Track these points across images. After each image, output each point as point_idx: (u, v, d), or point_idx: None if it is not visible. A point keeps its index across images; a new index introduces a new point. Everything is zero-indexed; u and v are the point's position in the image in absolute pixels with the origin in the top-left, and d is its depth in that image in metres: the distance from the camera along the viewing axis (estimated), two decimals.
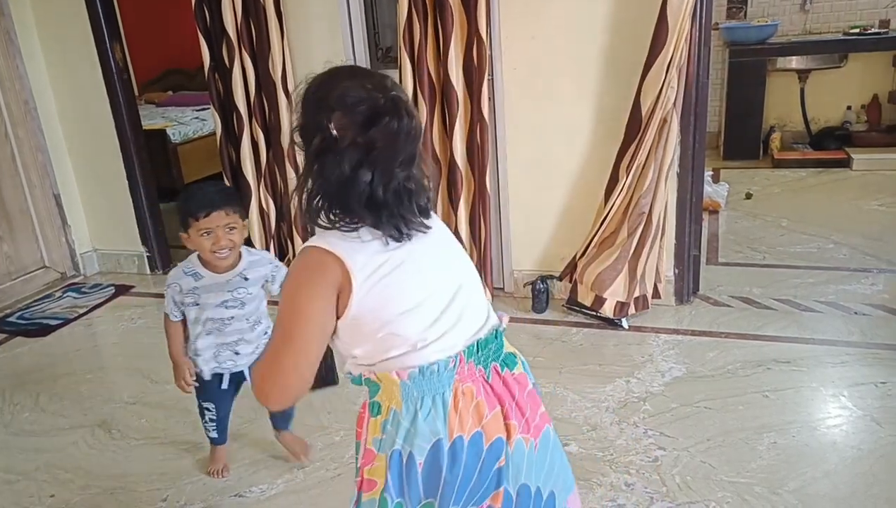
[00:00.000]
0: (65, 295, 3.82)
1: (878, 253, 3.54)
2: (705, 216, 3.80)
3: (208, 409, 2.13)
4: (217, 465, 2.23)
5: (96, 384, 2.89)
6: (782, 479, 1.99)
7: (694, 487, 1.99)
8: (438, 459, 1.10)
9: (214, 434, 2.18)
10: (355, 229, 1.11)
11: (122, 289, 3.85)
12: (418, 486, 1.11)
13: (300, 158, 1.17)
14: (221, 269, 1.95)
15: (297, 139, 1.14)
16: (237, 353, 2.02)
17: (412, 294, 1.13)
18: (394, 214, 1.11)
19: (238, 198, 2.05)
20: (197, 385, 2.06)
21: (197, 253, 1.96)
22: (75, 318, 3.52)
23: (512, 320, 3.28)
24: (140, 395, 2.76)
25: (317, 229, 1.13)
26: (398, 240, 1.12)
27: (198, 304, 1.97)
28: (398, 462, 1.12)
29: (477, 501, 1.11)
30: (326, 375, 1.22)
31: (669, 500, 1.95)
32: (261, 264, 2.00)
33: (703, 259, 3.33)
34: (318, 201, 1.12)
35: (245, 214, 2.18)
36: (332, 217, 1.12)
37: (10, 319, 3.55)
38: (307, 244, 1.13)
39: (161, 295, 3.73)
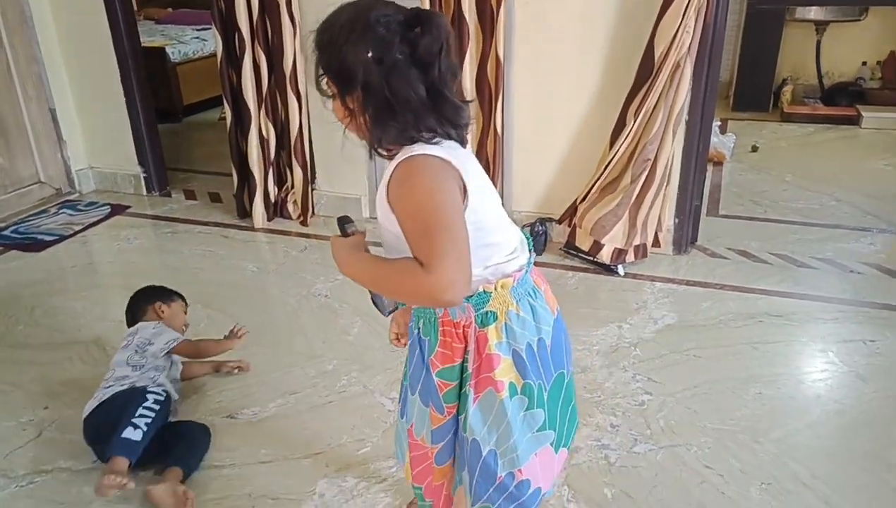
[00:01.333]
0: (60, 212, 3.79)
1: (879, 212, 3.53)
2: (709, 167, 3.76)
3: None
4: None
5: (91, 302, 2.90)
6: (765, 428, 2.03)
7: (677, 431, 2.03)
8: (559, 335, 1.28)
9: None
10: (437, 142, 1.12)
11: (118, 209, 3.83)
12: (550, 364, 1.26)
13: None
14: None
15: (331, 85, 1.14)
16: None
17: (496, 200, 1.23)
18: (458, 124, 1.15)
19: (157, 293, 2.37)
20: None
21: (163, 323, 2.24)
22: (71, 235, 3.51)
23: None
24: None
25: (403, 148, 1.13)
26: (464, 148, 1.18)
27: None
28: (532, 352, 1.24)
29: (571, 362, 1.35)
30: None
31: (653, 443, 1.99)
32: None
33: (703, 210, 3.31)
34: (386, 127, 1.12)
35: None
36: (409, 135, 1.12)
37: (5, 233, 3.53)
38: (413, 154, 1.10)
39: (158, 217, 3.73)
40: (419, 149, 1.11)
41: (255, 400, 2.23)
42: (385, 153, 1.17)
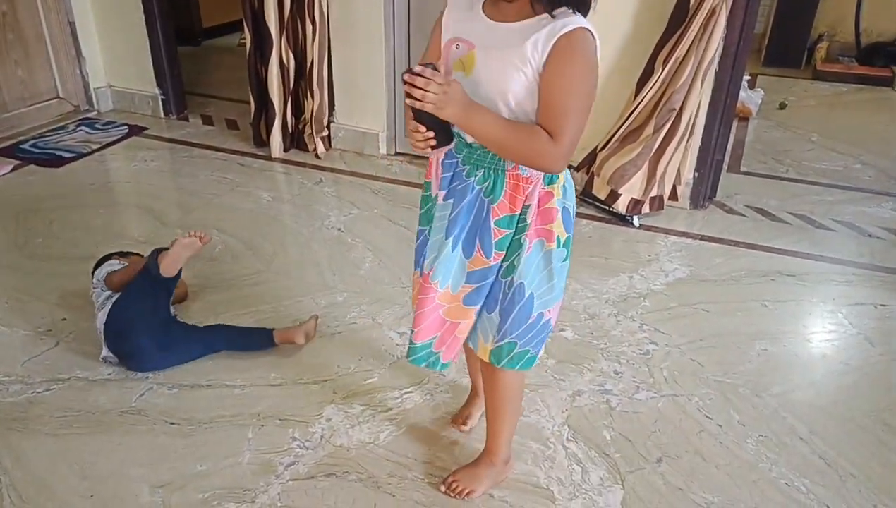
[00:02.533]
0: (78, 129, 3.79)
1: None
2: (734, 121, 3.69)
3: None
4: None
5: (108, 219, 2.93)
6: (767, 384, 2.05)
7: (680, 382, 2.06)
8: (572, 206, 1.43)
9: None
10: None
11: (135, 130, 3.82)
12: (572, 226, 1.44)
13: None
14: None
15: None
16: None
17: None
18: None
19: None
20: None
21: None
22: (88, 153, 3.52)
23: None
24: (151, 236, 2.80)
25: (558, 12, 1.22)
26: None
27: None
28: (570, 212, 1.42)
29: None
30: (448, 133, 1.31)
31: (655, 391, 2.02)
32: None
33: (724, 165, 3.26)
34: None
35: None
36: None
37: (24, 146, 3.54)
38: (576, 27, 1.21)
39: (175, 141, 3.72)
40: (580, 21, 1.22)
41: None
42: (540, 8, 1.22)
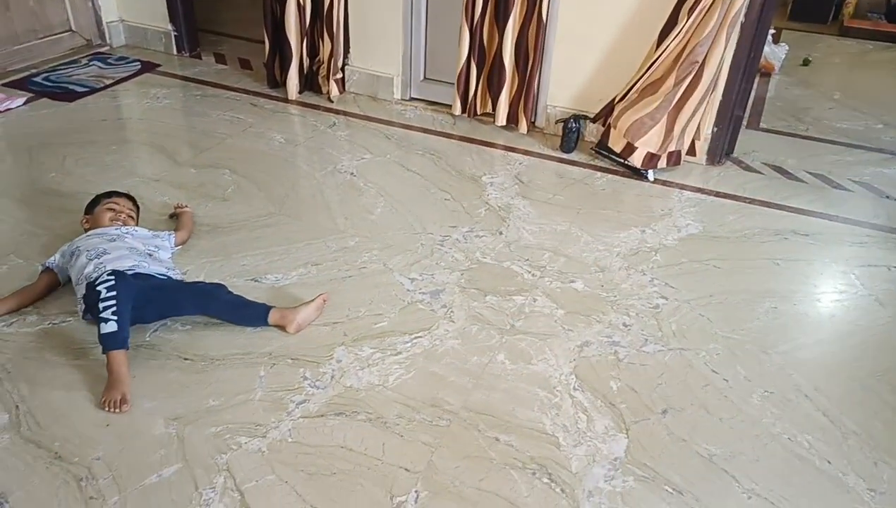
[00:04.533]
0: (90, 64, 3.74)
1: None
2: (756, 77, 3.61)
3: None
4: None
5: (120, 156, 2.92)
6: (774, 341, 2.06)
7: (688, 336, 2.07)
8: None
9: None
10: None
11: (148, 66, 3.77)
12: None
13: None
14: None
15: None
16: None
17: None
18: None
19: None
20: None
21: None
22: (101, 88, 3.49)
23: (538, 156, 3.26)
24: (163, 174, 2.80)
25: None
26: None
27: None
28: None
29: None
30: None
31: (662, 344, 2.03)
32: None
33: (744, 122, 3.20)
34: None
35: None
36: None
37: (37, 80, 3.51)
38: None
39: (188, 78, 3.68)
40: None
41: (278, 267, 2.28)
42: None
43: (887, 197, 2.88)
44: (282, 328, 2.00)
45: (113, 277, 1.85)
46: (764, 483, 1.62)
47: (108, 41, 3.99)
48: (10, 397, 1.75)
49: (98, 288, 1.83)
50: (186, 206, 2.51)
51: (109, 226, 2.19)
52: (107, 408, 1.71)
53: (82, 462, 1.59)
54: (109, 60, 3.80)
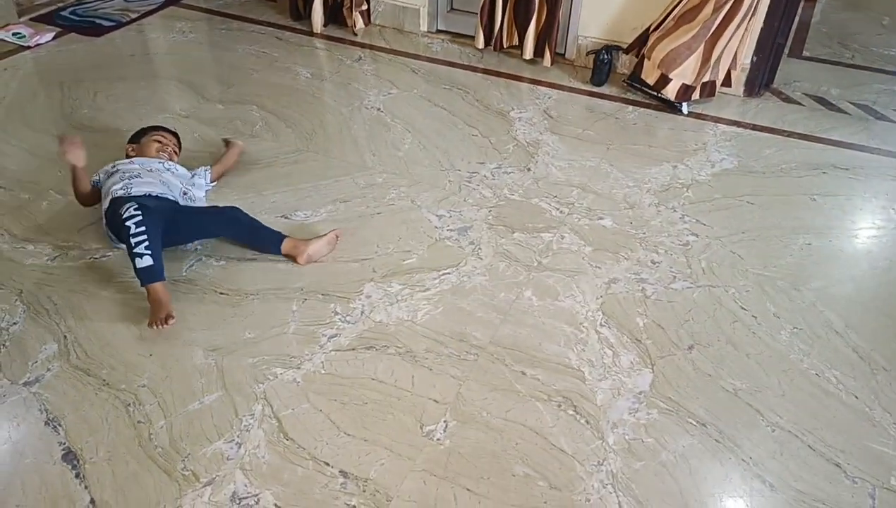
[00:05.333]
0: None
1: None
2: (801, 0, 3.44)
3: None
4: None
5: (150, 91, 2.93)
6: (807, 277, 2.04)
7: (718, 273, 2.06)
8: None
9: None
10: None
11: None
12: None
13: None
14: None
15: None
16: None
17: None
18: None
19: None
20: None
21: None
22: (127, 23, 3.47)
23: (567, 89, 3.19)
24: (192, 110, 2.81)
25: None
26: None
27: None
28: None
29: None
30: None
31: (691, 281, 2.03)
32: None
33: (785, 50, 3.07)
34: None
35: None
36: None
37: (63, 13, 3.50)
38: None
39: (212, 11, 3.64)
40: None
41: (307, 204, 2.30)
42: None
43: None
44: (293, 258, 2.05)
45: (140, 212, 1.89)
46: (788, 417, 1.63)
47: None
48: (57, 328, 1.83)
49: (127, 223, 1.87)
50: (239, 142, 2.50)
51: (154, 158, 2.24)
52: (155, 326, 1.78)
53: (129, 388, 1.67)
54: None
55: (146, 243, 1.85)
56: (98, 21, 3.44)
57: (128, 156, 2.27)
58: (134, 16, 3.52)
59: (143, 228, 1.86)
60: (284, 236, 2.07)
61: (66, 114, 2.75)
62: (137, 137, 2.34)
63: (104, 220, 2.05)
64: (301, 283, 1.99)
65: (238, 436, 1.57)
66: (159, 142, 2.31)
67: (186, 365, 1.74)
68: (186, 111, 2.80)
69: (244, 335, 1.83)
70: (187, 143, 2.57)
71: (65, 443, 1.55)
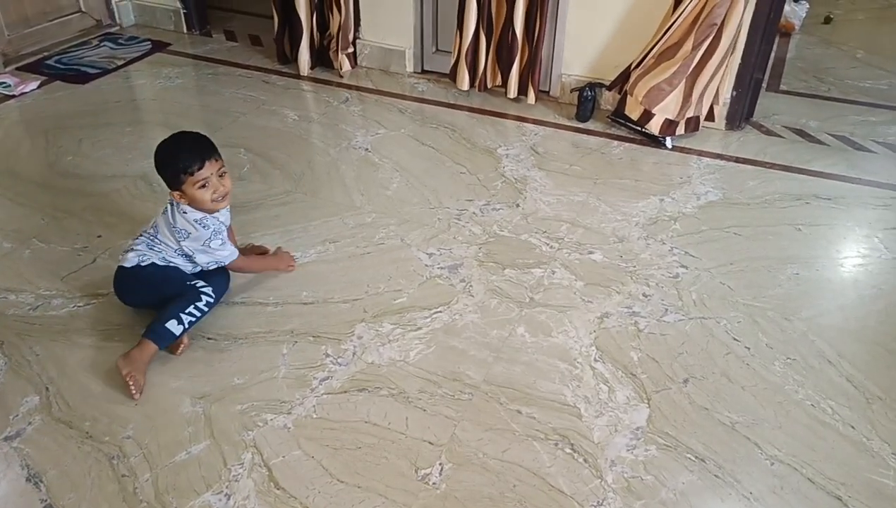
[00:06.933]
0: (101, 45, 3.74)
1: None
2: (776, 37, 3.52)
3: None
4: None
5: (136, 137, 2.93)
6: (796, 308, 2.04)
7: (709, 305, 2.06)
8: None
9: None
10: None
11: (158, 46, 3.76)
12: None
13: None
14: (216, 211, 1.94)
15: None
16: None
17: None
18: None
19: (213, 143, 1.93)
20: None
21: (182, 210, 1.89)
22: (113, 70, 3.49)
23: (552, 126, 3.22)
24: None
25: None
26: None
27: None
28: None
29: None
30: None
31: (683, 314, 2.02)
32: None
33: (763, 84, 3.14)
34: None
35: None
36: None
37: (49, 62, 3.51)
38: None
39: (199, 57, 3.67)
40: None
41: (296, 245, 2.29)
42: None
43: None
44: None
45: (215, 296, 1.91)
46: (787, 450, 1.62)
47: (117, 21, 3.98)
48: (39, 379, 1.79)
49: (201, 292, 1.88)
50: (292, 260, 2.21)
51: (215, 208, 1.90)
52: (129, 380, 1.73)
53: (113, 440, 1.63)
54: (120, 41, 3.79)
55: (194, 320, 1.86)
56: (84, 68, 3.46)
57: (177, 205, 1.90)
58: (120, 63, 3.54)
59: (207, 310, 1.90)
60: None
61: (50, 162, 2.74)
62: (174, 179, 1.84)
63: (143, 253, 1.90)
64: (291, 326, 1.97)
65: (227, 487, 1.52)
66: (204, 187, 1.85)
67: (173, 414, 1.70)
68: None
69: (233, 381, 1.79)
70: None
71: (47, 500, 1.50)
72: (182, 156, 1.82)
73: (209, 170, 1.84)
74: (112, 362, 1.82)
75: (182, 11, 3.90)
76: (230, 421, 1.67)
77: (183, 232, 1.90)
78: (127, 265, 1.91)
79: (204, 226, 1.90)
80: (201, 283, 1.92)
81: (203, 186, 1.84)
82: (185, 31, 3.95)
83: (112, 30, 3.94)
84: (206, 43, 3.86)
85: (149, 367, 1.80)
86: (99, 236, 2.31)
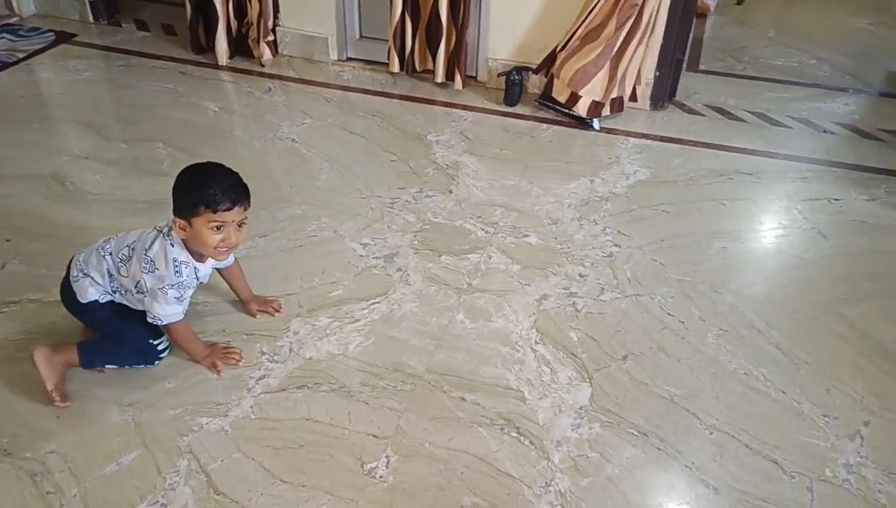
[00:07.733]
0: (0, 37, 3.49)
1: (857, 73, 3.50)
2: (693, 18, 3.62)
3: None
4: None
5: (44, 134, 2.75)
6: (725, 280, 2.11)
7: (643, 282, 2.10)
8: None
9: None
10: None
11: (63, 37, 3.54)
12: None
13: None
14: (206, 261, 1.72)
15: None
16: None
17: None
18: None
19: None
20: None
21: (170, 241, 1.63)
22: (14, 63, 3.26)
23: (481, 111, 3.22)
24: (92, 151, 2.65)
25: None
26: None
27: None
28: None
29: None
30: None
31: (619, 292, 2.05)
32: None
33: (683, 64, 3.22)
34: None
35: None
36: None
37: None
38: None
39: (109, 48, 3.47)
40: None
41: None
42: None
43: (825, 131, 2.96)
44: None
45: (169, 347, 1.77)
46: (724, 418, 1.66)
47: (17, 11, 3.72)
48: None
49: (159, 355, 1.74)
50: (276, 305, 1.98)
51: (212, 256, 1.68)
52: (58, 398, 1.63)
53: (35, 456, 1.52)
54: (20, 32, 3.55)
55: (143, 363, 1.76)
56: None
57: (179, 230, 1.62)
58: (21, 56, 3.31)
59: (164, 356, 1.77)
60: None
61: None
62: (186, 208, 1.57)
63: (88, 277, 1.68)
64: (223, 324, 1.89)
65: (163, 497, 1.45)
66: (218, 229, 1.59)
67: (100, 424, 1.60)
68: (86, 152, 2.64)
69: (164, 386, 1.70)
70: (89, 186, 2.42)
71: None
72: (216, 190, 1.56)
73: (235, 215, 1.60)
74: (28, 373, 1.69)
75: (88, 0, 3.68)
76: (163, 428, 1.59)
77: (151, 263, 1.61)
78: (83, 301, 1.68)
79: (177, 272, 1.61)
80: (162, 346, 1.74)
81: (218, 229, 1.60)
82: (91, 20, 3.73)
83: (11, 20, 3.68)
84: (116, 33, 3.66)
85: (71, 375, 1.69)
86: (7, 240, 2.15)
